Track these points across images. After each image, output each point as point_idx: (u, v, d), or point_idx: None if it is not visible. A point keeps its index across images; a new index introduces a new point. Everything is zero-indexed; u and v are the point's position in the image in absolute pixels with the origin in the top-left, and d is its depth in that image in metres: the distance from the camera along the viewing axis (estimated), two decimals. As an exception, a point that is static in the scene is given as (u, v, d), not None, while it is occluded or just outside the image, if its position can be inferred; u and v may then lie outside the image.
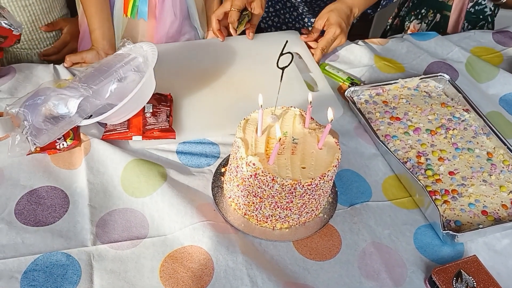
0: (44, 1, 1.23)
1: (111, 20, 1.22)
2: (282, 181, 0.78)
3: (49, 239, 0.80)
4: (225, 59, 1.23)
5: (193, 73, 1.17)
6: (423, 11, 1.56)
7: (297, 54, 1.25)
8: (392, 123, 1.09)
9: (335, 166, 0.82)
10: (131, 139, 0.97)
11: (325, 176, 0.80)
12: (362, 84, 1.20)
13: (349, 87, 1.18)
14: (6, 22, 0.99)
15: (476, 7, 1.52)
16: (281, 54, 0.82)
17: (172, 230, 0.84)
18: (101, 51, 1.16)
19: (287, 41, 0.87)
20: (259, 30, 1.37)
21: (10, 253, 0.78)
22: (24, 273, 0.75)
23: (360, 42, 1.36)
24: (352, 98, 1.14)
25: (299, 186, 0.78)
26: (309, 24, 1.61)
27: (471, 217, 0.92)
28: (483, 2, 1.51)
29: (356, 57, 1.30)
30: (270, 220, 0.85)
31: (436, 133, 1.07)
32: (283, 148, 0.83)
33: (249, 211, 0.86)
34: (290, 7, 1.60)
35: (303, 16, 1.61)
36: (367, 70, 1.27)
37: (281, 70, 0.84)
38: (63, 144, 0.94)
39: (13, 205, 0.85)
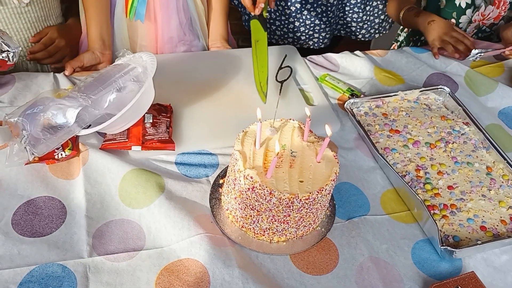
0: (41, 9, 1.23)
1: (111, 21, 1.22)
2: (280, 195, 0.77)
3: (45, 250, 0.80)
4: (226, 70, 1.23)
5: (194, 84, 1.17)
6: (422, 38, 1.55)
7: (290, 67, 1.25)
8: (392, 136, 1.09)
9: (333, 180, 0.82)
10: (131, 149, 0.97)
11: (322, 190, 0.80)
12: (362, 95, 1.20)
13: (349, 98, 1.18)
14: (3, 50, 0.99)
15: (480, 34, 1.51)
16: (280, 67, 0.82)
17: (168, 243, 0.84)
18: (96, 51, 1.16)
19: (286, 55, 0.87)
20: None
21: (5, 264, 0.77)
22: (19, 285, 0.75)
23: (359, 53, 1.36)
24: (352, 110, 1.14)
25: (296, 200, 0.78)
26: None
27: (469, 232, 0.91)
28: (487, 30, 1.50)
29: (357, 68, 1.30)
30: (268, 233, 0.85)
31: (435, 147, 1.07)
32: (281, 161, 0.83)
33: (247, 223, 0.86)
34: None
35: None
36: (367, 82, 1.27)
37: (280, 84, 0.84)
38: (61, 154, 0.94)
39: (10, 215, 0.84)
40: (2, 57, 0.98)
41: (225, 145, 1.03)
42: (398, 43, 1.71)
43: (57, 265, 0.78)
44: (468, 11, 1.42)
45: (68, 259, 0.79)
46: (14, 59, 1.00)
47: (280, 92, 0.84)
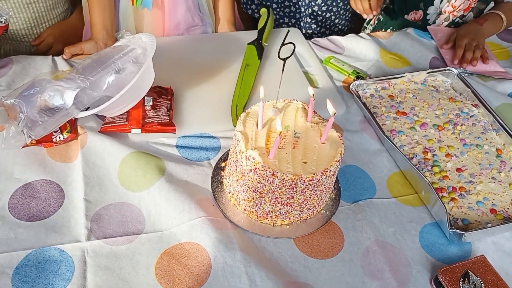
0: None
1: (115, 10, 1.20)
2: (283, 176, 0.75)
3: (42, 234, 0.78)
4: (228, 53, 1.20)
5: (195, 67, 1.15)
6: (388, 31, 1.49)
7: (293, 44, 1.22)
8: (398, 118, 1.06)
9: (338, 161, 0.79)
10: (130, 132, 0.95)
11: (327, 171, 0.77)
12: (367, 77, 1.17)
13: (354, 80, 1.15)
14: None
15: (452, 26, 1.45)
16: (283, 44, 0.79)
17: (169, 226, 0.82)
18: (100, 41, 1.14)
19: (288, 31, 0.84)
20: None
21: (1, 248, 0.75)
22: (15, 269, 0.73)
23: (364, 35, 1.33)
24: (357, 92, 1.11)
25: (300, 181, 0.76)
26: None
27: (479, 215, 0.89)
28: (459, 21, 1.43)
29: (362, 50, 1.27)
30: (270, 216, 0.83)
31: (443, 129, 1.04)
32: (284, 142, 0.80)
33: (249, 206, 0.83)
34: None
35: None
36: (373, 64, 1.24)
37: (282, 62, 0.82)
38: (59, 137, 0.91)
39: (7, 199, 0.82)
40: None
41: (226, 128, 1.00)
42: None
43: (54, 249, 0.76)
44: (436, 2, 1.37)
45: (65, 243, 0.77)
46: (5, 21, 0.98)
47: (283, 70, 0.81)
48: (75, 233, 0.79)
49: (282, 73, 0.81)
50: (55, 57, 1.13)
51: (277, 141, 0.75)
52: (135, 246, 0.79)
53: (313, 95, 0.82)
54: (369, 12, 1.26)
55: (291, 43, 0.79)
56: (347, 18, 1.62)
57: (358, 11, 1.31)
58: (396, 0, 1.45)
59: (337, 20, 1.60)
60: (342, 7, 1.56)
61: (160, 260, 0.77)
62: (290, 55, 0.80)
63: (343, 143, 0.82)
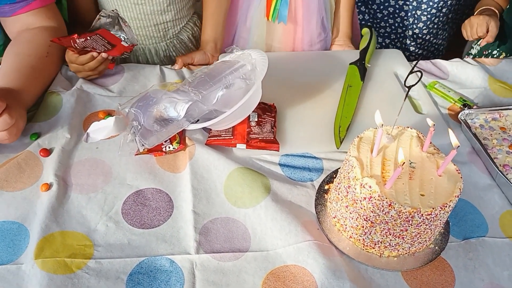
0: (156, 4, 1.24)
1: (247, 23, 1.22)
2: (400, 207, 0.72)
3: (153, 242, 0.80)
4: (329, 72, 1.19)
5: (298, 84, 1.14)
6: (495, 52, 1.43)
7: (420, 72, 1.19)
8: (511, 152, 1.00)
9: (457, 196, 0.75)
10: (235, 146, 0.96)
11: (446, 206, 0.74)
12: (475, 106, 1.11)
13: (461, 109, 1.10)
14: (119, 34, 1.01)
15: None
16: (411, 72, 0.77)
17: (274, 247, 0.81)
18: (208, 52, 1.17)
19: (417, 60, 0.81)
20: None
21: (117, 253, 0.78)
22: (129, 275, 0.75)
23: (471, 61, 1.27)
24: (466, 121, 1.06)
25: (417, 214, 0.73)
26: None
27: None
28: None
29: (468, 77, 1.22)
30: (378, 247, 0.80)
31: (562, 168, 0.97)
32: (401, 172, 0.78)
33: (356, 234, 0.81)
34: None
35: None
36: (480, 92, 1.18)
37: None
38: (169, 147, 0.94)
39: (121, 204, 0.85)
40: (118, 35, 1.00)
41: (329, 149, 0.99)
42: (471, 56, 1.58)
43: (165, 259, 0.78)
44: None
45: (176, 254, 0.79)
46: (130, 43, 1.02)
47: (405, 97, 0.79)
48: (185, 244, 0.80)
49: (404, 100, 0.79)
50: (163, 67, 1.17)
51: (398, 171, 0.72)
52: (241, 264, 0.79)
53: (434, 125, 0.80)
54: (485, 36, 1.22)
55: (419, 71, 0.77)
56: (444, 37, 1.57)
57: (472, 39, 1.27)
58: (506, 26, 1.38)
59: (434, 41, 1.55)
60: (441, 27, 1.52)
61: (266, 280, 0.77)
62: (416, 83, 0.78)
63: (461, 177, 0.78)
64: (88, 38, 0.99)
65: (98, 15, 1.04)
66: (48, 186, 0.85)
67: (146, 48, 1.30)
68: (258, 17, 1.22)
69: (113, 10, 1.04)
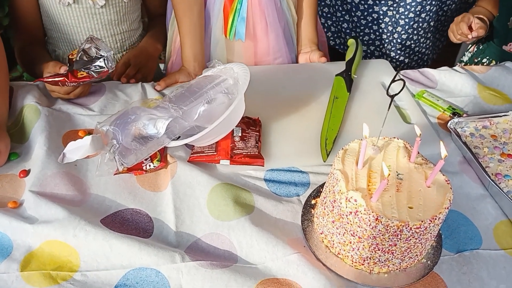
0: (115, 13, 1.23)
1: (207, 41, 1.20)
2: (387, 221, 0.69)
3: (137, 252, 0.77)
4: (314, 84, 1.17)
5: (282, 97, 1.12)
6: (484, 60, 1.41)
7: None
8: (504, 161, 0.97)
9: (447, 208, 0.72)
10: (219, 162, 0.93)
11: (436, 218, 0.71)
12: (465, 115, 1.09)
13: (450, 117, 1.08)
14: (100, 62, 0.99)
15: None
16: (393, 81, 0.75)
17: (262, 260, 0.78)
18: (192, 73, 1.15)
19: (399, 69, 0.79)
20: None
21: (102, 263, 0.76)
22: (115, 287, 0.74)
23: (459, 69, 1.25)
24: (456, 130, 1.04)
25: (406, 228, 0.70)
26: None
27: None
28: None
29: (457, 85, 1.20)
30: (368, 263, 0.77)
31: (556, 175, 0.94)
32: (387, 184, 0.75)
33: (344, 250, 0.78)
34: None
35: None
36: (470, 100, 1.16)
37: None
38: (149, 166, 0.91)
39: (98, 221, 0.82)
40: (99, 66, 0.97)
41: (315, 162, 0.96)
42: (463, 63, 1.55)
43: (150, 270, 0.76)
44: None
45: (161, 264, 0.76)
46: (110, 64, 0.99)
47: (389, 107, 0.77)
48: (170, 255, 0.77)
49: (388, 110, 0.77)
50: (144, 84, 1.14)
51: (383, 184, 0.69)
52: (230, 273, 0.75)
53: (420, 135, 0.77)
54: (469, 33, 1.20)
55: (401, 79, 0.75)
56: (428, 47, 1.56)
57: (458, 40, 1.26)
58: (496, 33, 1.36)
59: (417, 49, 1.54)
60: (423, 34, 1.50)
61: (258, 288, 0.73)
62: (399, 92, 0.75)
63: (451, 188, 0.75)
64: (81, 83, 1.00)
65: (83, 44, 1.00)
66: (18, 204, 0.83)
67: None
68: (217, 34, 1.21)
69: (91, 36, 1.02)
